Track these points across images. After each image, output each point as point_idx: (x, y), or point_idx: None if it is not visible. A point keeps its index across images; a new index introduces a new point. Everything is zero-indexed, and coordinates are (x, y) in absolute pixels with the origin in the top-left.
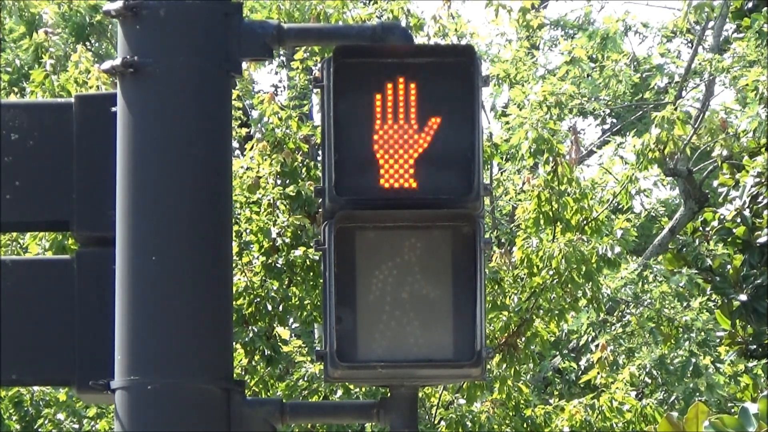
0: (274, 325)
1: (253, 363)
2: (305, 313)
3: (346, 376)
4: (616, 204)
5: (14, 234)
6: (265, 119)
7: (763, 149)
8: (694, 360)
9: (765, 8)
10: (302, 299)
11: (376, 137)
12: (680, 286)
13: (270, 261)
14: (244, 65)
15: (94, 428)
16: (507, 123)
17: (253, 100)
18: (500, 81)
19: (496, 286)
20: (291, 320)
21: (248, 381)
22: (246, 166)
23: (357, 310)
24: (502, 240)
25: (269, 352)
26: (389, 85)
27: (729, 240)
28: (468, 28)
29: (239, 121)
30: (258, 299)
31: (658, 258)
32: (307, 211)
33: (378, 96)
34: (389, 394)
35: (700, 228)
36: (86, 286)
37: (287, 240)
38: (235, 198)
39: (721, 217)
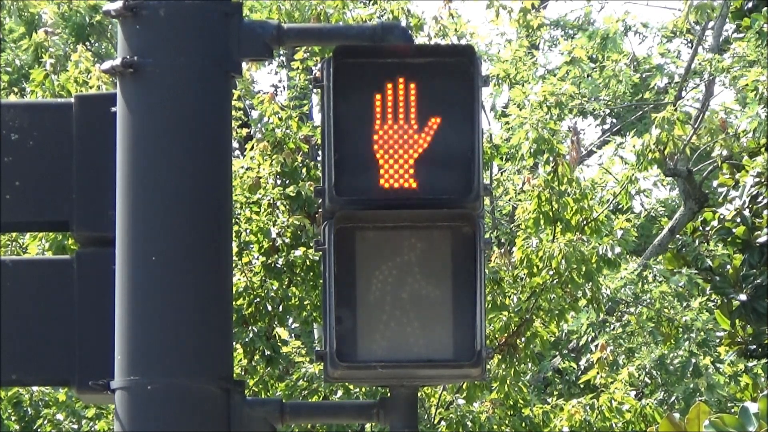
0: (274, 325)
1: (253, 363)
2: (305, 313)
3: (345, 376)
4: (616, 204)
5: (14, 234)
6: (265, 119)
7: (763, 149)
8: (694, 360)
9: (765, 8)
10: (302, 299)
11: (376, 137)
12: (680, 286)
13: (270, 261)
14: (244, 65)
15: (93, 429)
16: (507, 123)
17: (253, 100)
18: (500, 81)
19: (496, 286)
20: (290, 320)
21: (248, 381)
22: (246, 166)
23: (357, 310)
24: (502, 240)
25: (269, 352)
26: (389, 85)
27: (729, 240)
28: (468, 28)
29: (239, 121)
30: (258, 299)
31: (658, 258)
32: (307, 211)
33: (378, 96)
34: (389, 394)
35: (700, 228)
36: (86, 286)
37: (287, 240)
38: (235, 198)
39: (721, 217)
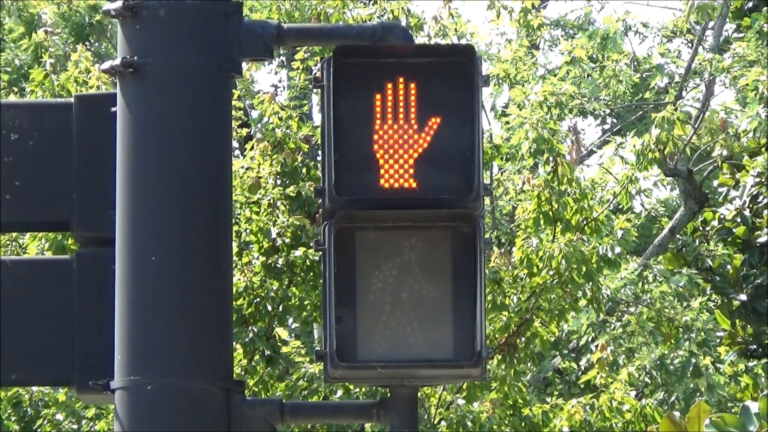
0: (274, 325)
1: (253, 363)
2: (305, 313)
3: (345, 376)
4: (616, 204)
5: (14, 234)
6: (265, 119)
7: (763, 149)
8: (694, 360)
9: (765, 8)
10: (302, 299)
11: (376, 137)
12: (680, 286)
13: (270, 261)
14: (244, 65)
15: (93, 429)
16: (507, 123)
17: (253, 100)
18: (500, 81)
19: (496, 286)
20: (290, 320)
21: (248, 381)
22: (246, 166)
23: (357, 310)
24: (502, 240)
25: (269, 352)
26: (389, 85)
27: (729, 240)
28: (468, 28)
29: (239, 121)
30: (258, 299)
31: (658, 258)
32: (307, 211)
33: (378, 96)
34: (389, 394)
35: (700, 228)
36: (86, 286)
37: (287, 240)
38: (235, 198)
39: (721, 217)
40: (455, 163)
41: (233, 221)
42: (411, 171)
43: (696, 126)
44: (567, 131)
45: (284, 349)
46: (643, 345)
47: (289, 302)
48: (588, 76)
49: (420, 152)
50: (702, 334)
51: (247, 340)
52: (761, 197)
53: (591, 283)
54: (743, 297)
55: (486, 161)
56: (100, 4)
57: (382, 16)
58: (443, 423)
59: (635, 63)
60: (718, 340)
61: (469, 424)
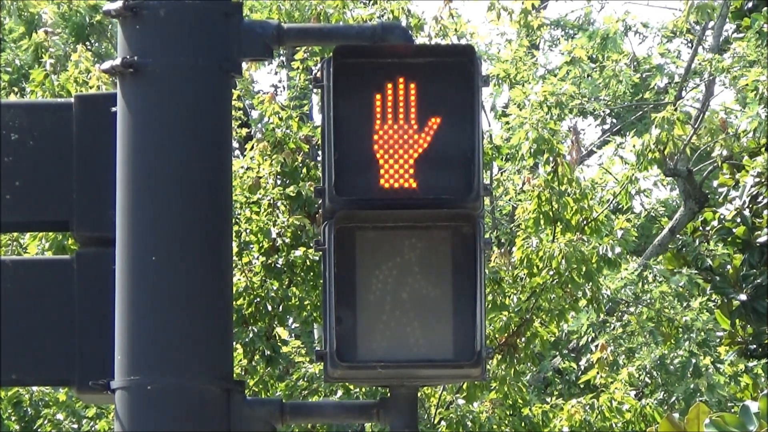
0: (274, 325)
1: (253, 363)
2: (305, 313)
3: (345, 376)
4: (616, 204)
5: (14, 234)
6: (265, 119)
7: (763, 149)
8: (694, 360)
9: (765, 8)
10: (302, 299)
11: (376, 137)
12: (680, 286)
13: (270, 261)
14: (244, 65)
15: (93, 428)
16: (507, 123)
17: (253, 100)
18: (500, 81)
19: (496, 286)
20: (290, 320)
21: (248, 381)
22: (246, 166)
23: (357, 310)
24: (502, 240)
25: (269, 352)
26: (389, 85)
27: (729, 240)
28: (468, 28)
29: (239, 121)
30: (258, 299)
31: (658, 258)
32: (307, 211)
33: (378, 96)
34: (389, 394)
35: (700, 228)
36: (86, 286)
37: (287, 240)
38: (235, 198)
39: (721, 217)
40: (455, 163)
41: (233, 221)
42: (411, 171)
43: (696, 126)
44: (567, 131)
45: (284, 349)
46: (643, 345)
47: (289, 302)
48: (588, 76)
49: (420, 152)
50: (702, 334)
51: (247, 340)
52: (761, 197)
53: (591, 283)
54: (743, 297)
55: (486, 161)
56: (100, 4)
57: (382, 16)
58: (443, 423)
59: (635, 63)
60: (718, 340)
61: (469, 424)
